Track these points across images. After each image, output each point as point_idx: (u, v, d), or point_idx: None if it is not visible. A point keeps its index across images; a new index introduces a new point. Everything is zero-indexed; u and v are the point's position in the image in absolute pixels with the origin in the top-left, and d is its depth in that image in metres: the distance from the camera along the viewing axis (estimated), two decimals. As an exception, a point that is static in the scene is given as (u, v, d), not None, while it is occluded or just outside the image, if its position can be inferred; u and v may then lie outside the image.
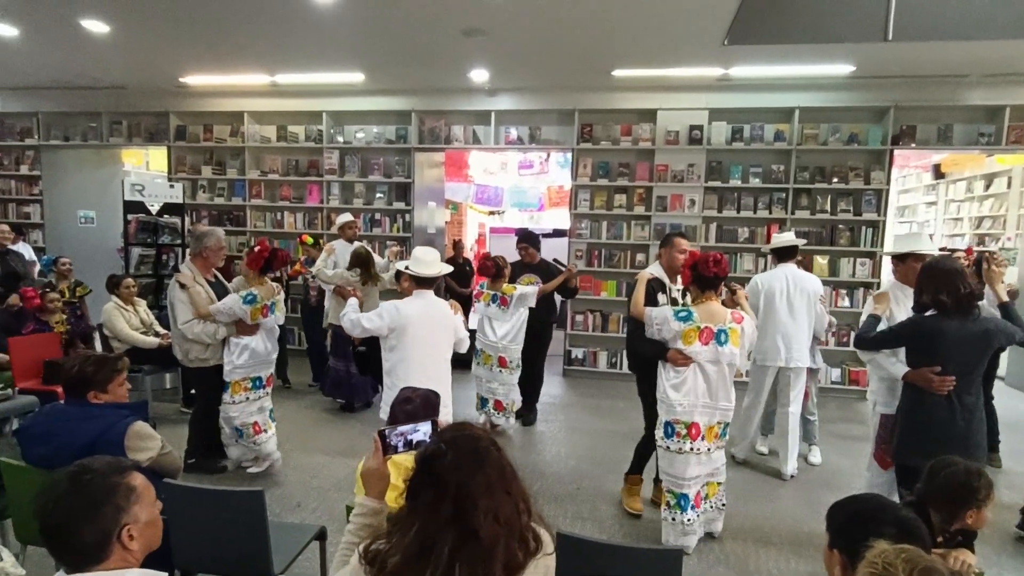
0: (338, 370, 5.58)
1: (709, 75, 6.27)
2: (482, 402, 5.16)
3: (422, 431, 1.57)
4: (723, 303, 3.32)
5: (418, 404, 2.27)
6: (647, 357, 3.39)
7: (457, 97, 7.20)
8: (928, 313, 2.84)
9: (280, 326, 4.26)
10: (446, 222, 9.64)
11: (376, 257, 5.66)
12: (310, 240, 6.30)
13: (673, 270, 3.66)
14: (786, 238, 4.49)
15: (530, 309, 5.09)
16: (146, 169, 10.16)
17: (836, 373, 6.55)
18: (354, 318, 3.30)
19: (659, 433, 3.29)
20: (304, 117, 7.58)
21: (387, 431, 1.58)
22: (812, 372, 4.61)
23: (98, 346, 5.45)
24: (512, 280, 5.15)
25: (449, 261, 6.21)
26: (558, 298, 5.66)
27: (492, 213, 12.66)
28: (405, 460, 1.65)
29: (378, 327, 3.25)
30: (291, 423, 5.22)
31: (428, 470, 1.31)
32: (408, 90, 7.19)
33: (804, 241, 4.82)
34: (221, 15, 4.89)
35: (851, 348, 6.46)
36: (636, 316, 3.39)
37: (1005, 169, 8.60)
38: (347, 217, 6.05)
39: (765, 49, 5.44)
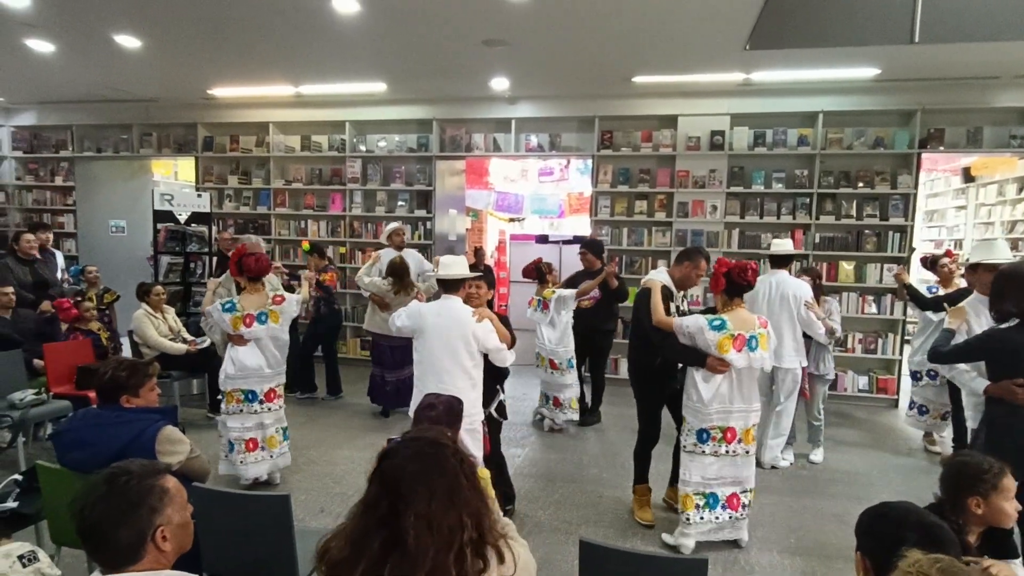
0: (374, 376, 5.69)
1: (730, 80, 6.22)
2: (545, 399, 5.41)
3: None
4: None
5: (441, 411, 2.30)
6: (686, 364, 3.44)
7: (478, 105, 7.26)
8: (1006, 325, 2.69)
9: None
10: (467, 229, 9.69)
11: (425, 264, 5.88)
12: (307, 247, 6.25)
13: (683, 285, 3.69)
14: (786, 246, 4.60)
15: (587, 316, 5.28)
16: (175, 179, 10.40)
17: (863, 381, 6.43)
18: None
19: (690, 440, 3.33)
20: (327, 127, 7.70)
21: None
22: (817, 377, 4.66)
23: (126, 352, 5.57)
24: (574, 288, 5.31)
25: (471, 268, 6.27)
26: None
27: (512, 220, 12.67)
28: None
29: (406, 326, 3.37)
30: (315, 429, 5.28)
31: (379, 465, 1.31)
32: (429, 99, 7.26)
33: (803, 251, 4.81)
34: (248, 29, 5.01)
35: (878, 356, 6.42)
36: (662, 327, 3.39)
37: (1038, 172, 8.36)
38: (395, 225, 6.09)
39: (788, 53, 5.38)
